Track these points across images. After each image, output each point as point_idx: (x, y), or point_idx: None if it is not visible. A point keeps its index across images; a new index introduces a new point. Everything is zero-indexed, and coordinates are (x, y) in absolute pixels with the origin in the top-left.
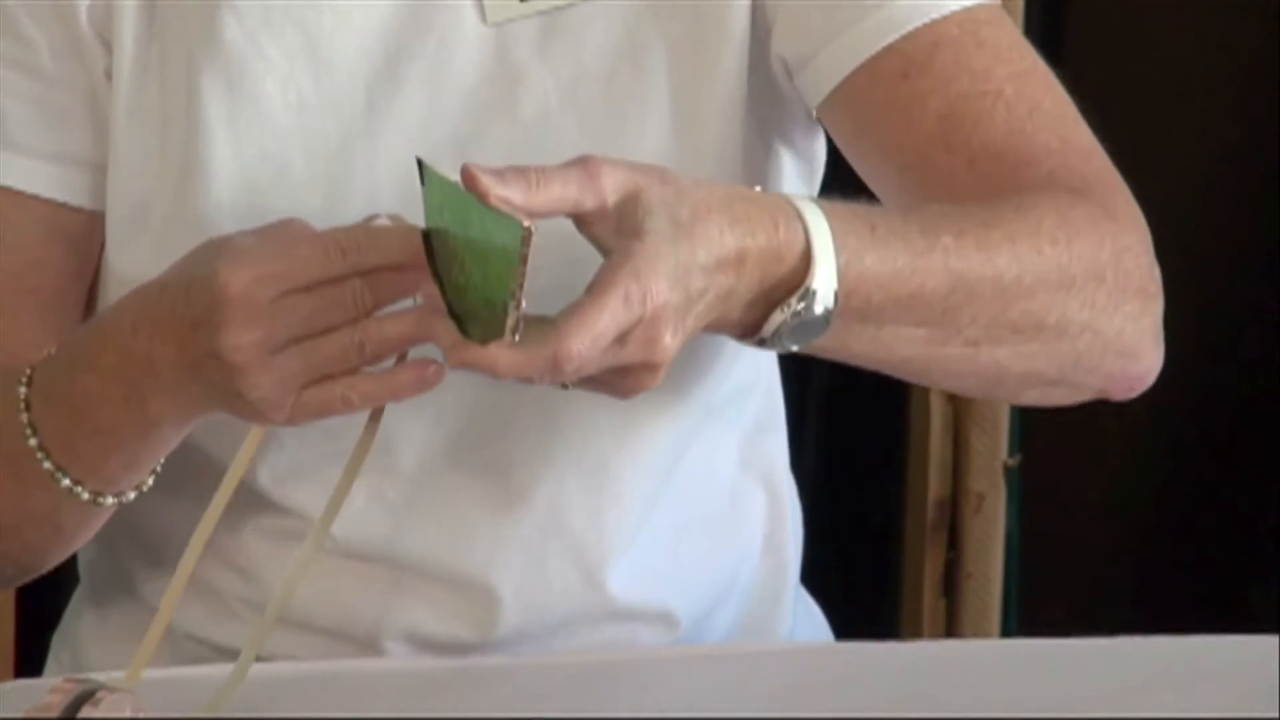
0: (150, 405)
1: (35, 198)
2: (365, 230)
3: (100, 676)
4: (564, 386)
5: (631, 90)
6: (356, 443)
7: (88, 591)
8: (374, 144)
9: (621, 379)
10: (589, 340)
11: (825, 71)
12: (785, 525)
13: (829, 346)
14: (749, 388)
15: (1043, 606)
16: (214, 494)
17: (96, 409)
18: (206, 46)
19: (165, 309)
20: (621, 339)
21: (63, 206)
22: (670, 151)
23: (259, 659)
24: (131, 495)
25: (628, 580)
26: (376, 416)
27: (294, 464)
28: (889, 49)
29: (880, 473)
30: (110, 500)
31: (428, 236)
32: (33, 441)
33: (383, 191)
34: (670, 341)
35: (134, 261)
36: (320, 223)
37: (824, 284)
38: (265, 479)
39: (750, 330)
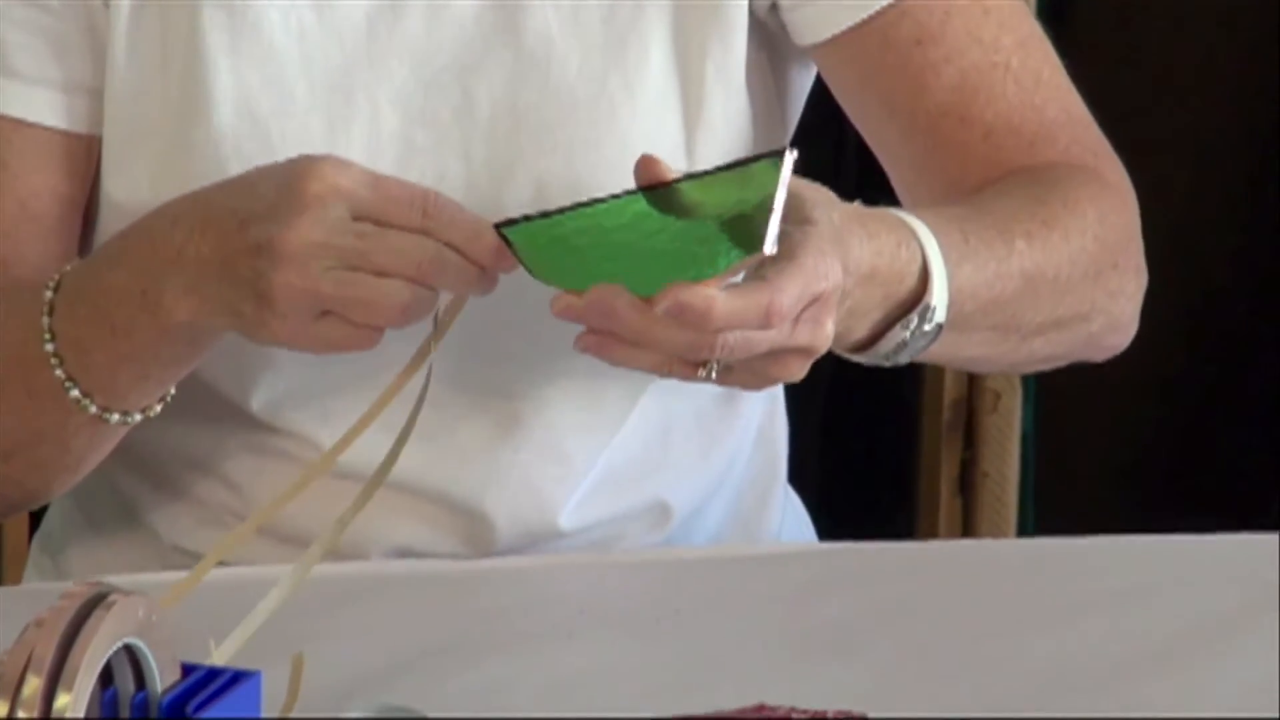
0: (165, 298)
1: (36, 125)
2: (453, 204)
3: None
4: (709, 377)
5: (633, 19)
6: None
7: (69, 495)
8: (375, 72)
9: (770, 365)
10: (795, 297)
11: (827, 16)
12: (777, 419)
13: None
14: None
15: (1058, 505)
16: (204, 412)
17: (115, 307)
18: None
19: (219, 205)
20: (796, 316)
21: (64, 133)
22: (672, 81)
23: (246, 565)
24: (137, 417)
25: (612, 475)
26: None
27: (290, 389)
28: (902, 12)
29: (896, 372)
30: (116, 418)
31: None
32: (49, 347)
33: (385, 119)
34: (831, 330)
35: (131, 188)
36: (322, 150)
37: (939, 299)
38: (258, 404)
39: (865, 347)
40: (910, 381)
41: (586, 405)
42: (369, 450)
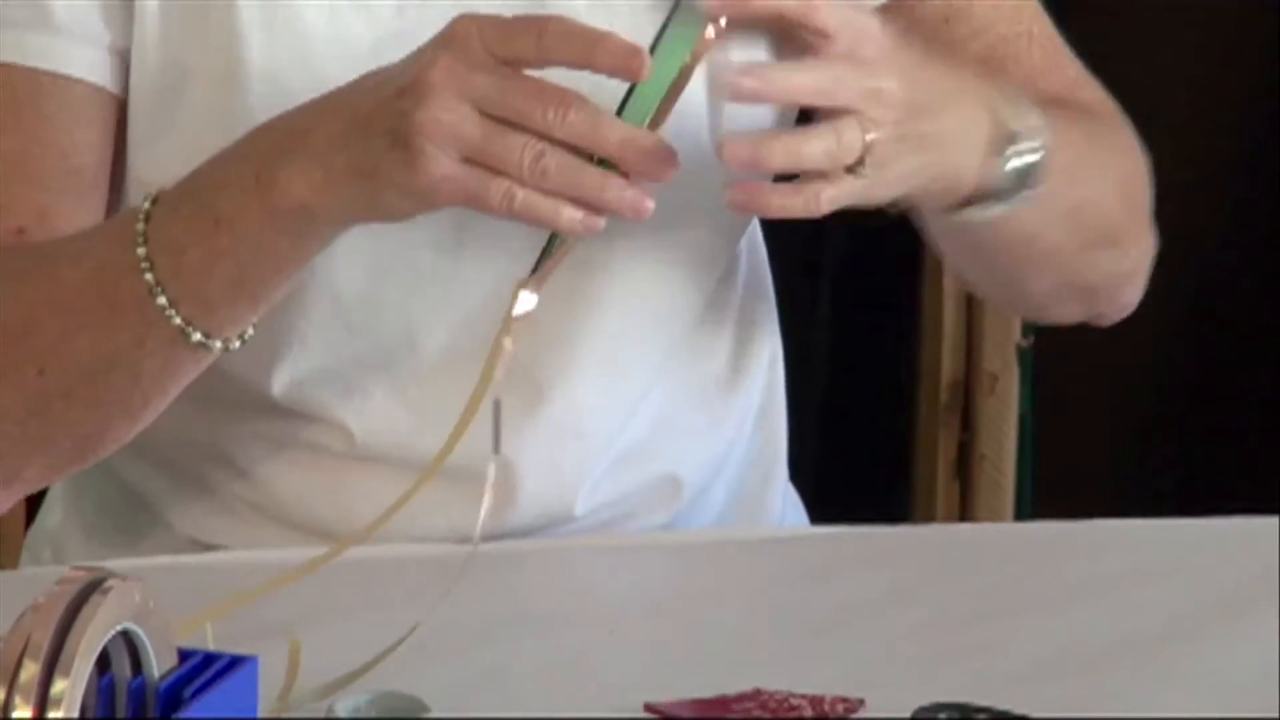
0: (281, 177)
1: (80, 81)
2: (572, 25)
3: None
4: (861, 171)
5: None
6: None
7: (69, 488)
8: (404, 47)
9: (886, 138)
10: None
11: None
12: (776, 399)
13: (1007, 219)
14: (742, 250)
15: (1056, 488)
16: (222, 400)
17: (224, 197)
18: None
19: (355, 85)
20: (859, 38)
21: (105, 91)
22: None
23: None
24: (217, 345)
25: (629, 452)
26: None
27: (315, 366)
28: None
29: (893, 354)
30: (198, 337)
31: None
32: (140, 251)
33: None
34: (897, 88)
35: (157, 166)
36: None
37: (1032, 124)
38: (280, 386)
39: (979, 191)
40: (907, 364)
41: (608, 382)
42: (396, 434)
